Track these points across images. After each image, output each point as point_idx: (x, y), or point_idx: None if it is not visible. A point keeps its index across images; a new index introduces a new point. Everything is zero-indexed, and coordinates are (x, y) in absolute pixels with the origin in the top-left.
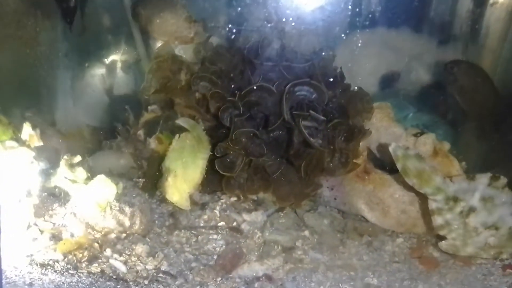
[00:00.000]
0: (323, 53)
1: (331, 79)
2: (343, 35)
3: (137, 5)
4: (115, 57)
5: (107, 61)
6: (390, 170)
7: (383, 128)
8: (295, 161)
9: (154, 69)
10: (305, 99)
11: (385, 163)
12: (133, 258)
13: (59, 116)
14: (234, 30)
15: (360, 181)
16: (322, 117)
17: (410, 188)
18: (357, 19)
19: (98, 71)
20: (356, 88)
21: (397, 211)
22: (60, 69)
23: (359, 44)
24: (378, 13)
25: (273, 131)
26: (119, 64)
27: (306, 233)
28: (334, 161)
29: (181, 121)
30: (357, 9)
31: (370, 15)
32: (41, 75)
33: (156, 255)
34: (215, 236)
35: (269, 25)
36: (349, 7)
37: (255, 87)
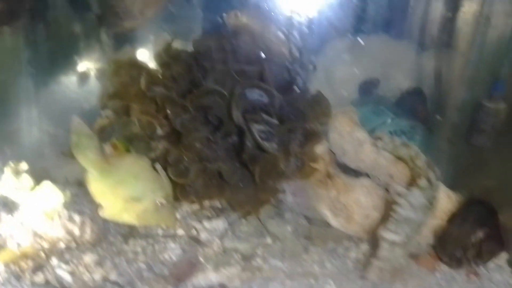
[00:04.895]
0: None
1: (288, 83)
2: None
3: None
4: (84, 64)
5: (75, 68)
6: (355, 174)
7: (346, 133)
8: (250, 166)
9: (111, 75)
10: (259, 103)
11: (349, 167)
12: (80, 268)
13: (21, 125)
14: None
15: (322, 186)
16: (275, 121)
17: (373, 193)
18: (336, 25)
19: (65, 79)
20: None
21: (361, 216)
22: (23, 77)
23: (338, 51)
24: (357, 20)
25: (226, 135)
26: (89, 71)
27: (268, 240)
28: (289, 166)
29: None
30: (336, 16)
31: (348, 22)
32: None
33: (105, 264)
34: (172, 245)
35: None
36: (327, 12)
37: (205, 90)
